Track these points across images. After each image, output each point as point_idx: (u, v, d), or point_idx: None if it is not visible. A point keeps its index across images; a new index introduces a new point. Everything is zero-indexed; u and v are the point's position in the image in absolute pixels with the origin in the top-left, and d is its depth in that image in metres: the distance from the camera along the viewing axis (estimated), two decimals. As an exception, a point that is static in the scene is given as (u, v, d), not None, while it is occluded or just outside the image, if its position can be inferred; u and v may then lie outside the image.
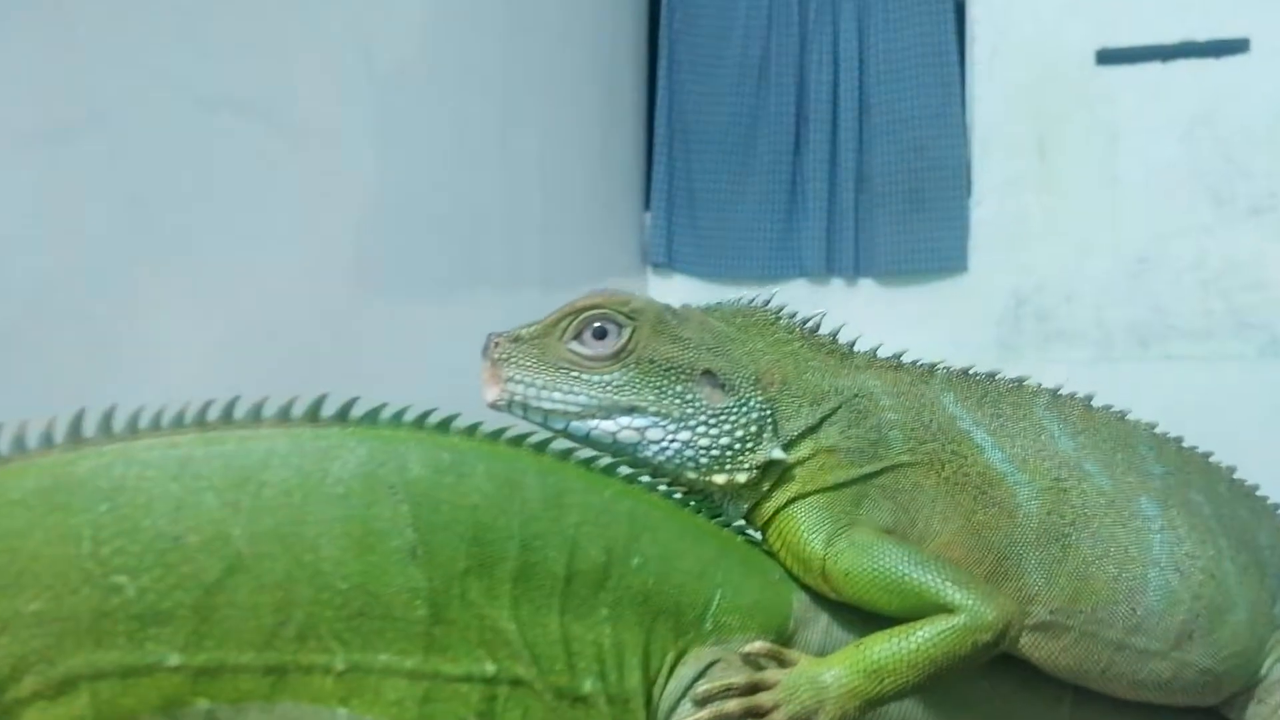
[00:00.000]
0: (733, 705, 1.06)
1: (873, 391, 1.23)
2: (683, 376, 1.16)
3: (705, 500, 1.19)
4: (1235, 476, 1.37)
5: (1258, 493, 1.39)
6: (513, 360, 1.16)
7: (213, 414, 0.99)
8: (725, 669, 1.10)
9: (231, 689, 0.94)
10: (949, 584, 1.10)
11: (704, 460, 1.16)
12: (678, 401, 1.16)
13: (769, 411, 1.18)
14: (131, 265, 1.76)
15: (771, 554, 1.21)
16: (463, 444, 1.06)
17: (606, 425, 1.15)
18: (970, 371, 1.30)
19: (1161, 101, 3.17)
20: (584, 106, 3.28)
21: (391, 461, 1.02)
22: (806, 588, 1.19)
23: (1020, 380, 1.30)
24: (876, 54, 3.43)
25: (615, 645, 1.08)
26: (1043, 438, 1.25)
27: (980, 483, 1.21)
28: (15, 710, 0.88)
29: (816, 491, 1.18)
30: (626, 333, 1.16)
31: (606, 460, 1.15)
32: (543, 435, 1.13)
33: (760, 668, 1.10)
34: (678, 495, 1.18)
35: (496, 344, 1.17)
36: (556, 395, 1.16)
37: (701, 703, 1.07)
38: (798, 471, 1.18)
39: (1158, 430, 1.33)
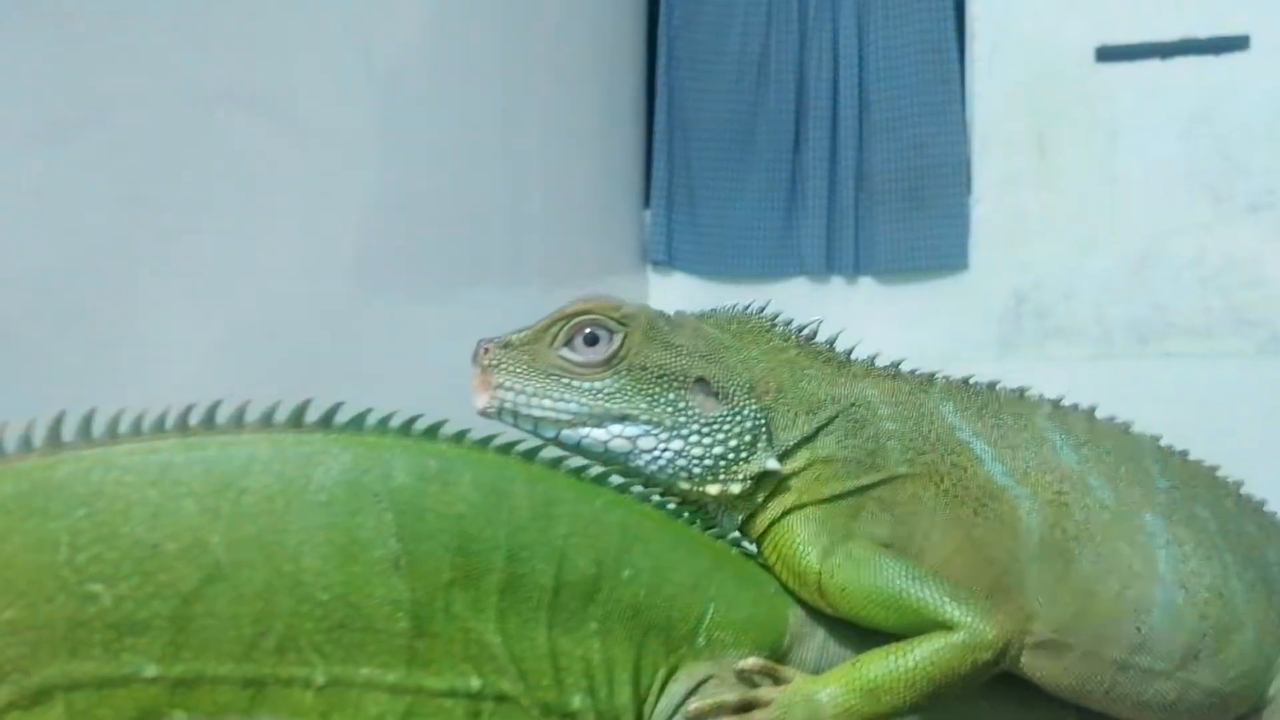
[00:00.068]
0: (725, 724, 1.04)
1: (870, 401, 1.20)
2: (675, 384, 1.14)
3: (699, 511, 1.17)
4: (1243, 491, 1.34)
5: (1265, 506, 1.36)
6: (503, 366, 1.13)
7: (196, 418, 0.97)
8: (718, 686, 1.08)
9: (209, 701, 0.92)
10: (948, 600, 1.07)
11: (697, 470, 1.13)
12: (670, 410, 1.13)
13: (764, 421, 1.15)
14: (131, 264, 1.76)
15: (767, 567, 1.18)
16: (450, 451, 1.04)
17: (598, 433, 1.13)
18: (970, 380, 1.27)
19: (1161, 98, 3.17)
20: (583, 104, 3.27)
21: (376, 469, 0.99)
22: (802, 602, 1.17)
23: (1022, 390, 1.27)
24: (876, 51, 3.41)
25: (605, 660, 1.05)
26: (1045, 450, 1.21)
27: (980, 495, 1.18)
28: (-10, 720, 0.86)
29: (812, 503, 1.15)
30: (618, 339, 1.13)
31: (597, 469, 1.13)
32: (532, 443, 1.10)
33: (754, 684, 1.08)
34: (670, 506, 1.16)
35: (486, 350, 1.14)
36: (547, 402, 1.13)
37: None
38: (793, 482, 1.16)
39: (1162, 442, 1.30)
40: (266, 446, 0.97)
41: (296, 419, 1.00)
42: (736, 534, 1.19)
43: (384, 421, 1.03)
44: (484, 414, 1.14)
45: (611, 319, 1.14)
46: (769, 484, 1.16)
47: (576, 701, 1.03)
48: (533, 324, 1.16)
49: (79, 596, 0.89)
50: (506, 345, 1.15)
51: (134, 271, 1.76)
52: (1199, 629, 1.19)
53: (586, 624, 1.05)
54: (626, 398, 1.13)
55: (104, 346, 1.69)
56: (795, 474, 1.16)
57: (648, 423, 1.13)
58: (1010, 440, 1.21)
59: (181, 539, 0.92)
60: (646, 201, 3.60)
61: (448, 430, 1.05)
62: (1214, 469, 1.33)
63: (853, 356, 1.25)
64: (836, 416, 1.18)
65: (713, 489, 1.14)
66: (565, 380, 1.13)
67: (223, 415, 0.98)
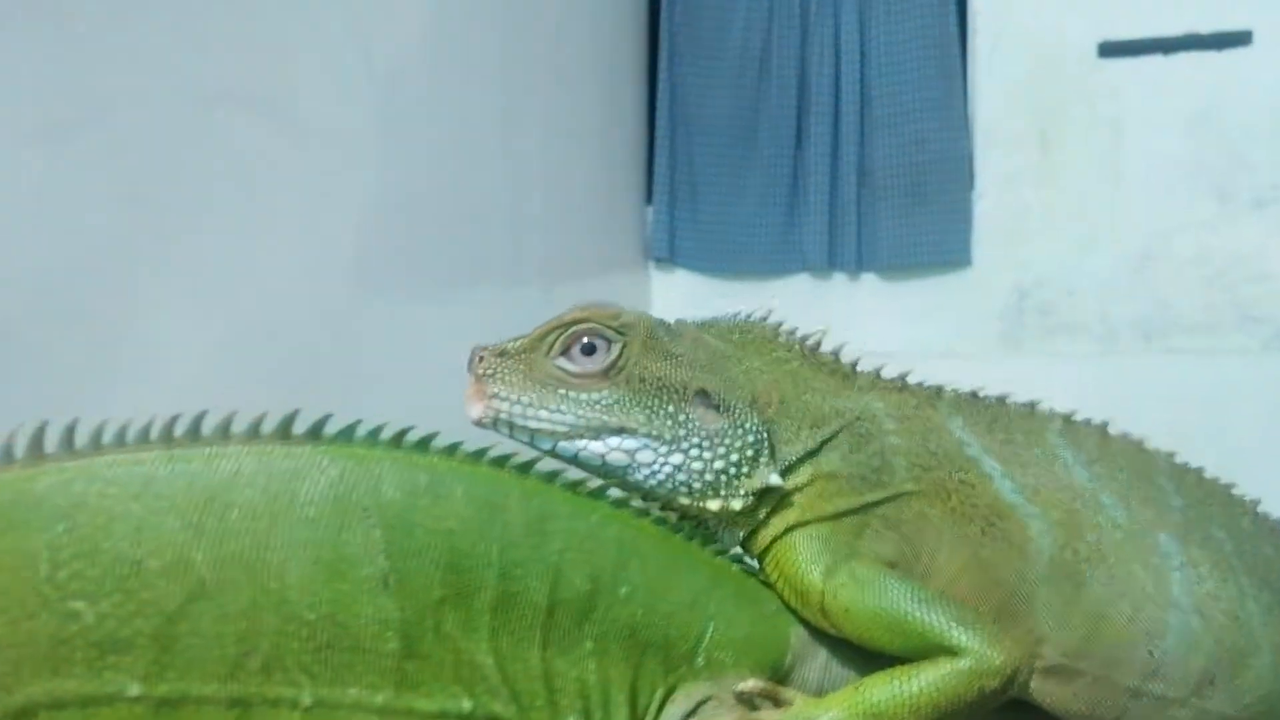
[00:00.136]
0: (724, 747, 1.02)
1: (876, 415, 1.16)
2: (675, 396, 1.10)
3: (699, 527, 1.14)
4: (1260, 510, 1.30)
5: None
6: (498, 376, 1.10)
7: (181, 428, 0.94)
8: (717, 708, 1.05)
9: None
10: (954, 624, 1.04)
11: (697, 485, 1.10)
12: (670, 422, 1.10)
13: (766, 434, 1.12)
14: (131, 264, 1.75)
15: (768, 584, 1.15)
16: (441, 464, 1.01)
17: (595, 446, 1.10)
18: (980, 394, 1.23)
19: (1164, 94, 3.16)
20: (584, 102, 3.26)
21: (364, 483, 0.97)
22: (805, 621, 1.14)
23: (1033, 404, 1.24)
24: (878, 46, 3.40)
25: (600, 681, 1.03)
26: (1056, 467, 1.18)
27: (989, 514, 1.14)
28: (-27, 739, 0.85)
29: (816, 520, 1.12)
30: (616, 349, 1.10)
31: (595, 483, 1.09)
32: (528, 455, 1.07)
33: (754, 706, 1.06)
34: (670, 521, 1.12)
35: (481, 358, 1.11)
36: (543, 413, 1.10)
37: None
38: (796, 498, 1.12)
39: (1177, 459, 1.26)
40: (252, 459, 0.94)
41: (284, 430, 0.97)
42: (738, 550, 1.16)
43: (374, 433, 1.00)
44: (479, 424, 1.11)
45: (610, 328, 1.10)
46: (771, 500, 1.13)
47: None
48: (529, 331, 1.13)
49: (61, 614, 0.87)
50: (502, 354, 1.11)
51: (134, 271, 1.75)
52: (1214, 654, 1.16)
53: (582, 643, 1.02)
54: (625, 409, 1.09)
55: (104, 346, 1.68)
56: (798, 490, 1.13)
57: (647, 436, 1.09)
58: (1020, 457, 1.18)
59: (165, 555, 0.90)
60: (648, 198, 3.58)
61: (440, 442, 1.02)
62: (1229, 486, 1.29)
63: (858, 368, 1.22)
64: (841, 430, 1.15)
65: (713, 504, 1.11)
66: (562, 391, 1.10)
67: (209, 424, 0.95)
